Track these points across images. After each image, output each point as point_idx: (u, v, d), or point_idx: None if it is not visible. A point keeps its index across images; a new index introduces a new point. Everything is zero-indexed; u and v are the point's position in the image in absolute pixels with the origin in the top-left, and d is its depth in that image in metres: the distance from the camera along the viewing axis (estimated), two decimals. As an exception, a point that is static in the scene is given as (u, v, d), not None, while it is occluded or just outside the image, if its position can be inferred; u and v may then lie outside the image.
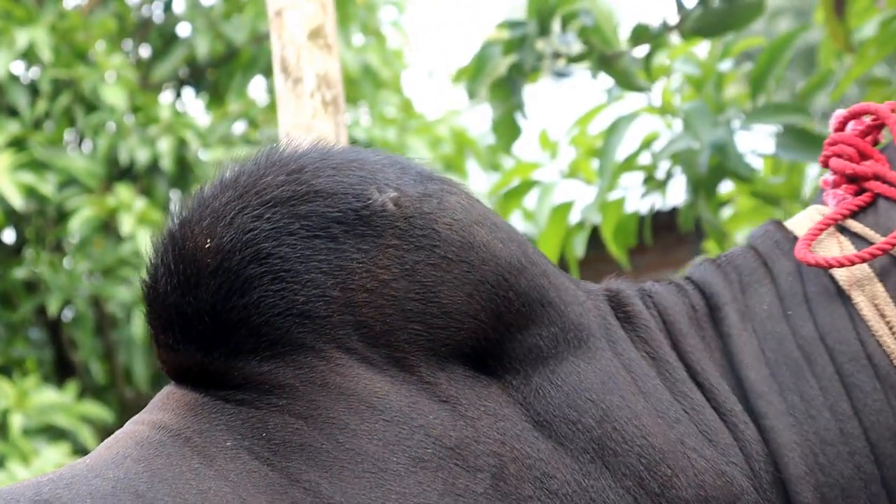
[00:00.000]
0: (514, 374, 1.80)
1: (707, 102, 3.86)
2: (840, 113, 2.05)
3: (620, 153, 3.97)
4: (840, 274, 1.91)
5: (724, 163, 3.78)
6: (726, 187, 4.21)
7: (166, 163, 7.95)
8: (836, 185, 2.00)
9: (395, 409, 1.73)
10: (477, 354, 1.79)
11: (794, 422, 1.86)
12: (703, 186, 3.91)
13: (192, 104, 9.40)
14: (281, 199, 1.77)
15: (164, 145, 8.00)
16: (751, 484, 1.81)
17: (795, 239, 1.97)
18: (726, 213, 4.46)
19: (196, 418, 1.74)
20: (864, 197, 1.97)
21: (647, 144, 4.14)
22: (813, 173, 4.14)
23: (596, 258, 4.89)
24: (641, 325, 1.91)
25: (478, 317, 1.79)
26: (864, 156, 1.99)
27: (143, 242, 7.60)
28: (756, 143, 4.01)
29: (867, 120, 2.03)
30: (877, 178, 1.96)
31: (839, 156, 2.01)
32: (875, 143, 2.02)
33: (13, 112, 8.12)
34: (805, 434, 1.85)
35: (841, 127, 2.05)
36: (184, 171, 8.21)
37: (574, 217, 4.28)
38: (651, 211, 4.38)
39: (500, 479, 1.72)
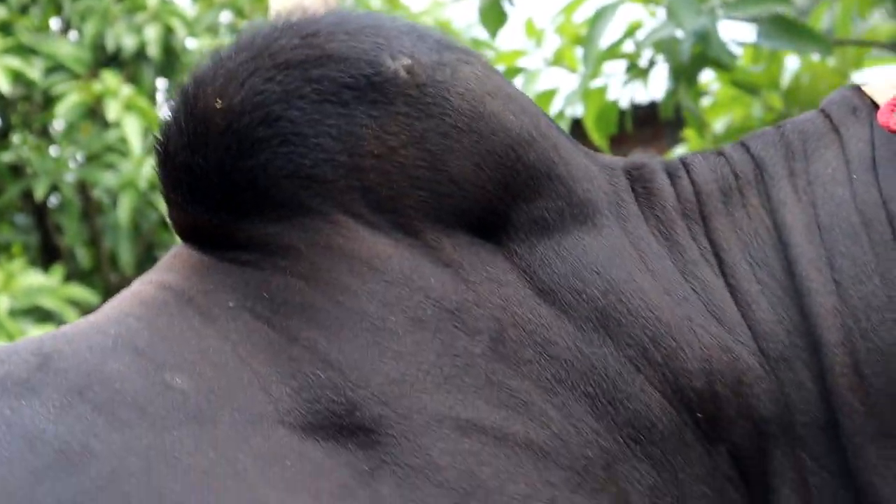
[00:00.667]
0: (519, 243, 1.79)
1: None
2: None
3: (604, 41, 3.99)
4: None
5: (706, 51, 3.80)
6: (707, 76, 4.24)
7: (153, 50, 7.91)
8: None
9: (396, 271, 1.73)
10: (482, 223, 1.80)
11: (840, 287, 1.83)
12: (684, 75, 3.94)
13: None
14: (294, 62, 1.76)
15: (151, 33, 7.92)
16: (757, 361, 1.79)
17: (873, 105, 1.92)
18: (706, 102, 4.49)
19: (200, 279, 1.75)
20: None
21: (630, 33, 4.15)
22: (792, 63, 4.18)
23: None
24: (658, 202, 1.89)
25: (485, 187, 1.79)
26: None
27: (130, 129, 7.64)
28: (738, 32, 4.05)
29: None
30: None
31: None
32: None
33: (-1, -2, 8.10)
34: (850, 299, 1.81)
35: None
36: (170, 59, 8.16)
37: (557, 105, 4.29)
38: (632, 102, 4.43)
39: (498, 342, 1.71)
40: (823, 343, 1.79)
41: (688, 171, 1.93)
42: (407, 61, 1.77)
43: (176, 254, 1.80)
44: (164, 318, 1.68)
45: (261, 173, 1.74)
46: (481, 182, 1.78)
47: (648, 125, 6.10)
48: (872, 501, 1.77)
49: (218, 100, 1.74)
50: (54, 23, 8.54)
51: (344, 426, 1.61)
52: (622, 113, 4.41)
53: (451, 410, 1.65)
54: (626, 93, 4.33)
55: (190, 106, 1.76)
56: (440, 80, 1.78)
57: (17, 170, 8.54)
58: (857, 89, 1.97)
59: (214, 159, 1.74)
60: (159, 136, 1.79)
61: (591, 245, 1.80)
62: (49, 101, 8.12)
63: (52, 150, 8.51)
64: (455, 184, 1.77)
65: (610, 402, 1.71)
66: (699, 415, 1.75)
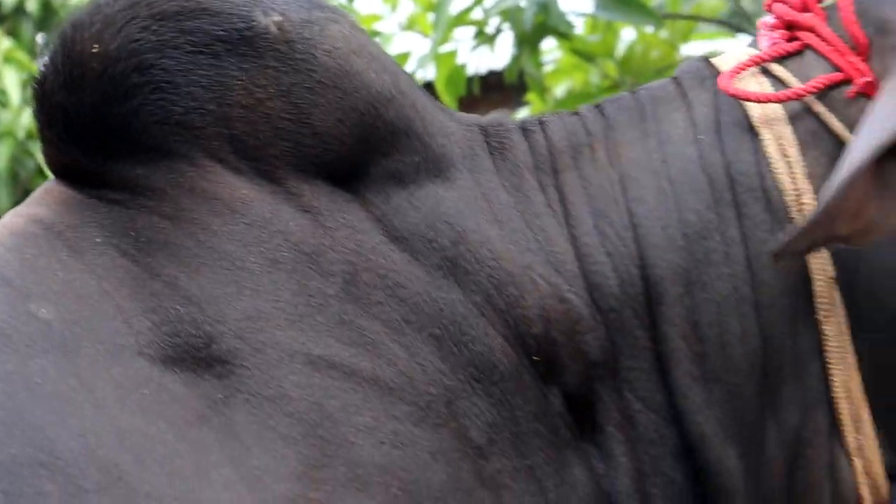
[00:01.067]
0: (376, 193, 1.78)
1: None
2: None
3: (454, 8, 4.01)
4: (754, 110, 1.88)
5: (547, 20, 3.87)
6: (548, 45, 4.28)
7: (32, 6, 7.88)
8: (773, 28, 1.97)
9: (256, 214, 1.70)
10: (342, 174, 1.78)
11: (687, 240, 1.85)
12: (527, 42, 3.98)
13: None
14: (169, 13, 1.72)
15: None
16: (589, 312, 1.79)
17: (719, 73, 1.94)
18: (548, 68, 4.53)
19: (70, 214, 1.70)
20: (795, 45, 1.93)
21: (479, 1, 4.16)
22: (627, 34, 4.24)
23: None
24: (511, 156, 1.88)
25: (345, 140, 1.77)
26: (806, 8, 1.96)
27: (8, 80, 7.58)
28: (577, 3, 4.08)
29: None
30: (811, 30, 1.93)
31: (784, 2, 1.98)
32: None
33: None
34: (694, 253, 1.83)
35: None
36: (49, 14, 8.15)
37: (410, 67, 4.30)
38: (488, 70, 4.47)
39: (351, 284, 1.70)
40: (662, 294, 1.81)
41: (543, 129, 1.93)
42: (278, 17, 1.76)
43: (48, 189, 1.78)
44: (32, 250, 1.65)
45: (133, 118, 1.71)
46: (342, 136, 1.77)
47: (496, 90, 6.15)
48: (695, 439, 1.79)
49: (95, 45, 1.72)
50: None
51: (201, 358, 1.60)
52: (470, 77, 4.44)
53: (303, 346, 1.64)
54: (474, 58, 4.36)
55: (67, 49, 1.74)
56: (308, 37, 1.77)
57: None
58: (707, 61, 2.00)
59: (89, 102, 1.72)
60: (37, 76, 1.78)
61: (443, 197, 1.80)
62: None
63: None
64: (318, 136, 1.76)
65: (455, 344, 1.72)
66: (536, 358, 1.75)
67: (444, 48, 4.25)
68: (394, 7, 4.53)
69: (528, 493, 1.69)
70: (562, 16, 3.86)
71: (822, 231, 1.68)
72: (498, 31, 4.18)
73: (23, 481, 1.40)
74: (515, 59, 4.10)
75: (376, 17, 4.52)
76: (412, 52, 4.36)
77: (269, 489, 1.51)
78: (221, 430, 1.54)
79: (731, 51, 2.01)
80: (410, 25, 4.46)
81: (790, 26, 1.95)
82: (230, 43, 1.73)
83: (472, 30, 4.24)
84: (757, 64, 1.92)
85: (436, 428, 1.65)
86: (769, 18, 1.98)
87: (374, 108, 1.78)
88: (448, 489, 1.62)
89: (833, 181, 1.65)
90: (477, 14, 4.20)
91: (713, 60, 1.97)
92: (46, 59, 1.75)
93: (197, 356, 1.60)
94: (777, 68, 1.92)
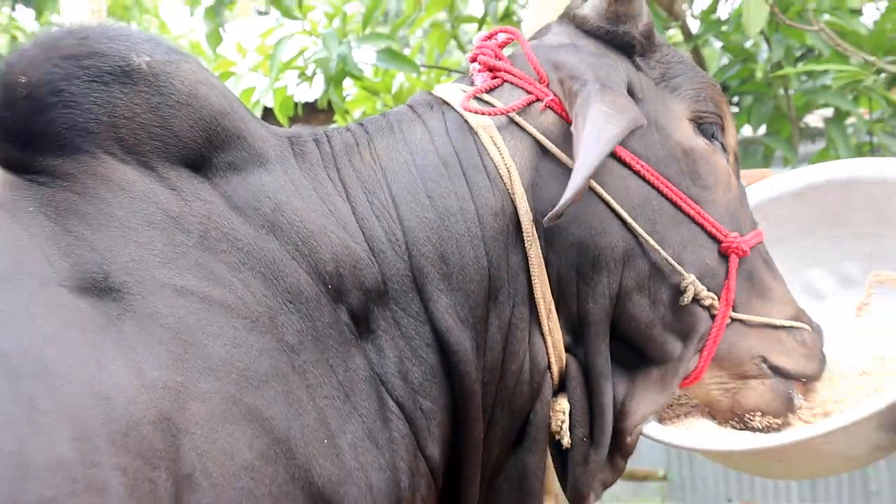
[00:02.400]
0: (219, 178, 1.77)
1: (336, 31, 3.93)
2: (484, 32, 2.09)
3: (284, 57, 3.97)
4: (472, 120, 1.92)
5: (345, 67, 3.89)
6: (348, 83, 4.25)
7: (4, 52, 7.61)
8: (480, 70, 2.01)
9: (137, 191, 1.69)
10: (196, 164, 1.76)
11: (431, 200, 1.87)
12: (333, 81, 3.95)
13: (24, 14, 8.82)
14: (72, 55, 1.72)
15: (2, 41, 7.67)
16: (366, 255, 1.80)
17: (441, 100, 1.98)
18: (349, 98, 4.49)
19: (11, 192, 1.67)
20: (497, 81, 1.98)
21: (301, 53, 4.14)
22: (399, 77, 4.26)
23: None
24: (307, 157, 1.88)
25: (197, 141, 1.76)
26: (498, 57, 2.01)
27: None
28: (366, 56, 4.09)
29: (502, 37, 2.06)
30: (507, 71, 1.98)
31: (484, 53, 2.03)
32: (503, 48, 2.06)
33: None
34: (435, 209, 1.86)
35: (488, 37, 2.07)
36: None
37: (255, 97, 4.26)
38: (301, 99, 4.41)
39: (204, 237, 1.69)
40: (416, 238, 1.84)
41: (328, 139, 1.94)
42: (147, 58, 1.75)
43: None
44: None
45: (50, 125, 1.70)
46: (194, 137, 1.76)
47: (314, 113, 6.10)
48: (441, 330, 1.81)
49: (22, 77, 1.70)
50: None
51: (101, 288, 1.57)
52: (296, 104, 4.40)
53: (171, 280, 1.62)
54: (298, 91, 4.31)
55: (4, 80, 1.72)
56: (168, 71, 1.76)
57: None
58: (430, 92, 2.03)
59: (20, 115, 1.70)
60: None
61: (265, 181, 1.79)
62: None
63: None
64: (177, 137, 1.75)
65: (275, 278, 1.71)
66: (329, 286, 1.75)
67: (278, 84, 4.20)
68: (244, 56, 4.43)
69: (324, 376, 1.69)
70: (355, 65, 3.89)
71: (579, 196, 1.74)
72: (314, 73, 4.13)
73: None
74: (325, 92, 4.09)
75: (232, 63, 4.40)
76: (256, 86, 4.29)
77: (148, 374, 1.50)
78: (115, 336, 1.53)
79: (442, 86, 2.05)
80: (255, 68, 4.34)
81: (491, 69, 2.01)
82: (114, 75, 1.73)
83: (296, 72, 4.20)
84: (476, 93, 1.97)
85: (262, 334, 1.65)
86: (476, 65, 2.03)
87: (214, 119, 1.78)
88: (271, 374, 1.62)
89: (574, 181, 1.74)
90: (300, 62, 4.16)
91: (435, 92, 2.02)
92: None
93: (98, 286, 1.57)
94: (487, 96, 1.98)
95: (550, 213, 1.76)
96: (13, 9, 8.78)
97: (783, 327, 2.04)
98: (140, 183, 1.70)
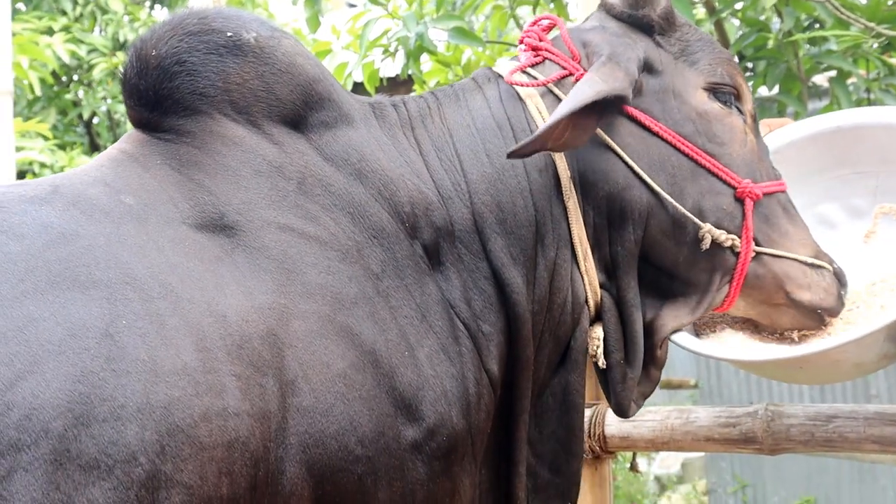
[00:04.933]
0: (314, 134, 1.76)
1: (414, 13, 3.87)
2: (531, 19, 2.08)
3: (371, 36, 3.93)
4: (521, 90, 1.92)
5: (422, 44, 3.86)
6: (424, 58, 4.23)
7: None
8: (526, 50, 2.00)
9: (247, 145, 1.69)
10: (294, 122, 1.76)
11: (489, 159, 1.86)
12: (412, 56, 3.90)
13: (161, 13, 8.92)
14: (193, 32, 1.73)
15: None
16: (436, 199, 1.80)
17: (497, 74, 1.97)
18: (425, 69, 4.46)
19: (142, 147, 1.70)
20: (539, 59, 1.97)
21: (385, 33, 4.07)
22: (468, 52, 4.22)
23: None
24: (387, 119, 1.87)
25: (295, 102, 1.76)
26: (540, 39, 2.00)
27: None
28: (439, 35, 4.04)
29: (545, 23, 2.04)
30: (547, 50, 1.97)
31: (529, 36, 2.02)
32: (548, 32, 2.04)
33: None
34: (493, 165, 1.85)
35: (533, 24, 2.06)
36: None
37: (347, 71, 4.19)
38: (385, 73, 4.40)
39: (302, 183, 1.69)
40: (476, 188, 1.83)
41: (404, 104, 1.93)
42: (254, 34, 1.76)
43: (129, 135, 1.76)
44: (121, 167, 1.65)
45: (176, 91, 1.72)
46: (293, 100, 1.76)
47: (397, 85, 6.09)
48: (497, 267, 1.80)
49: (153, 50, 1.72)
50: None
51: (217, 226, 1.59)
52: (381, 77, 4.39)
53: (275, 219, 1.63)
54: (383, 66, 4.29)
55: (138, 53, 1.74)
56: (272, 45, 1.76)
57: (76, 104, 8.25)
58: (489, 68, 2.02)
59: (151, 82, 1.72)
60: (122, 70, 1.77)
61: (352, 136, 1.78)
62: (90, 67, 7.85)
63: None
64: (279, 100, 1.75)
65: (361, 217, 1.70)
66: (407, 224, 1.75)
67: (366, 60, 4.17)
68: (338, 37, 4.43)
69: (404, 300, 1.68)
70: (431, 41, 3.85)
71: (536, 146, 1.74)
72: (396, 49, 4.11)
73: (116, 292, 1.40)
74: (406, 66, 4.06)
75: (328, 43, 4.41)
76: (348, 62, 4.27)
77: (257, 297, 1.51)
78: (230, 266, 1.54)
79: (499, 62, 2.04)
80: (347, 47, 4.36)
81: (535, 49, 2.00)
82: (228, 48, 1.73)
83: (381, 50, 4.18)
84: (522, 69, 1.96)
85: (351, 264, 1.65)
86: (522, 46, 2.02)
87: (309, 85, 1.78)
88: (359, 297, 1.62)
89: (544, 124, 1.74)
90: (384, 41, 4.11)
91: (493, 67, 2.01)
92: (126, 60, 1.75)
93: (215, 224, 1.59)
94: (532, 70, 1.97)
95: (508, 150, 1.78)
96: (152, 8, 8.90)
97: (806, 263, 1.98)
98: (249, 138, 1.71)
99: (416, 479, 1.59)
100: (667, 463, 10.14)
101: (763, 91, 3.95)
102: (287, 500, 1.44)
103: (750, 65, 3.81)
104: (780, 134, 2.26)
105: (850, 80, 3.72)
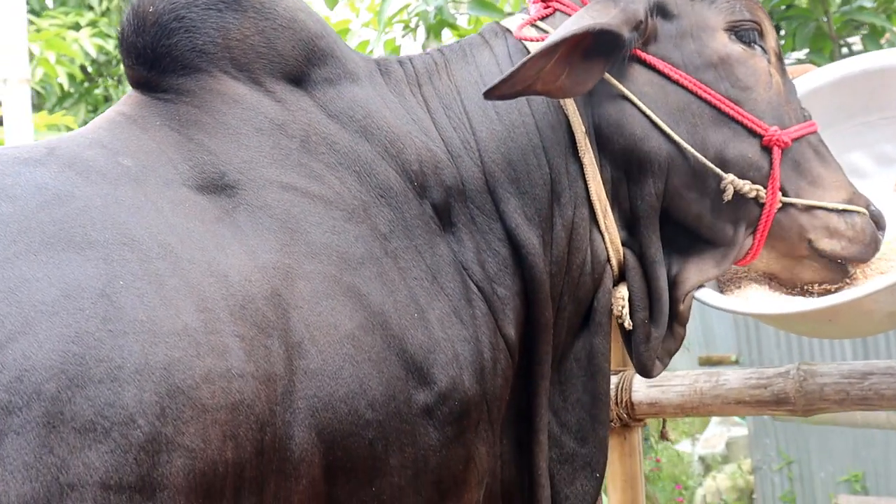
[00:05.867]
0: (317, 91, 1.72)
1: None
2: None
3: (390, 11, 3.91)
4: (530, 45, 1.85)
5: (442, 17, 3.84)
6: (446, 33, 4.22)
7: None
8: (535, 2, 1.93)
9: (248, 103, 1.65)
10: (297, 79, 1.72)
11: (497, 115, 1.80)
12: (433, 30, 3.93)
13: None
14: None
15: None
16: (445, 157, 1.74)
17: (505, 29, 1.91)
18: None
19: (140, 108, 1.65)
20: (549, 10, 1.90)
21: (404, 8, 4.07)
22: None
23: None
24: (393, 76, 1.82)
25: (297, 58, 1.72)
26: None
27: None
28: (459, 7, 4.03)
29: None
30: (556, 0, 1.89)
31: None
32: None
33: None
34: (503, 121, 1.79)
35: None
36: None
37: (369, 48, 4.19)
38: (405, 49, 4.38)
39: (305, 141, 1.65)
40: (486, 145, 1.77)
41: (411, 61, 1.88)
42: None
43: (128, 96, 1.72)
44: (118, 129, 1.61)
45: (174, 48, 1.67)
46: (295, 56, 1.72)
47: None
48: (511, 227, 1.75)
49: (150, 7, 1.68)
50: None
51: (218, 185, 1.55)
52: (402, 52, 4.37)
53: (278, 178, 1.59)
54: (404, 41, 4.28)
55: (135, 9, 1.70)
56: (272, 0, 1.72)
57: (107, 98, 8.28)
58: (497, 23, 1.96)
59: (149, 40, 1.68)
60: (120, 27, 1.73)
61: (357, 93, 1.73)
62: (119, 62, 7.93)
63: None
64: (281, 56, 1.71)
65: (367, 175, 1.66)
66: (415, 182, 1.70)
67: (386, 37, 4.18)
68: (357, 14, 4.43)
69: (413, 260, 1.64)
70: (451, 14, 3.83)
71: (513, 87, 1.68)
72: (416, 25, 4.11)
73: (112, 252, 1.36)
74: (427, 40, 4.05)
75: (347, 21, 4.42)
76: (369, 40, 4.27)
77: (260, 257, 1.48)
78: (231, 226, 1.51)
79: (508, 18, 1.97)
80: (366, 24, 4.36)
81: (545, 0, 1.94)
82: (227, 3, 1.70)
83: (401, 26, 4.17)
84: (530, 22, 1.89)
85: (357, 224, 1.60)
86: None
87: (312, 40, 1.74)
88: (366, 257, 1.58)
89: (519, 61, 1.68)
90: (404, 16, 4.14)
91: (501, 23, 1.95)
92: (124, 18, 1.71)
93: (215, 184, 1.55)
94: (541, 23, 1.89)
95: (485, 88, 1.71)
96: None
97: (835, 210, 1.90)
98: (250, 96, 1.67)
99: (428, 444, 1.54)
100: (711, 443, 10.08)
101: (793, 53, 3.87)
102: (297, 467, 1.40)
103: (779, 24, 3.74)
104: (803, 81, 2.18)
105: (883, 38, 3.63)
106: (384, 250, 1.61)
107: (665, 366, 1.91)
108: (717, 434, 10.15)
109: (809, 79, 2.21)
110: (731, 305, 1.89)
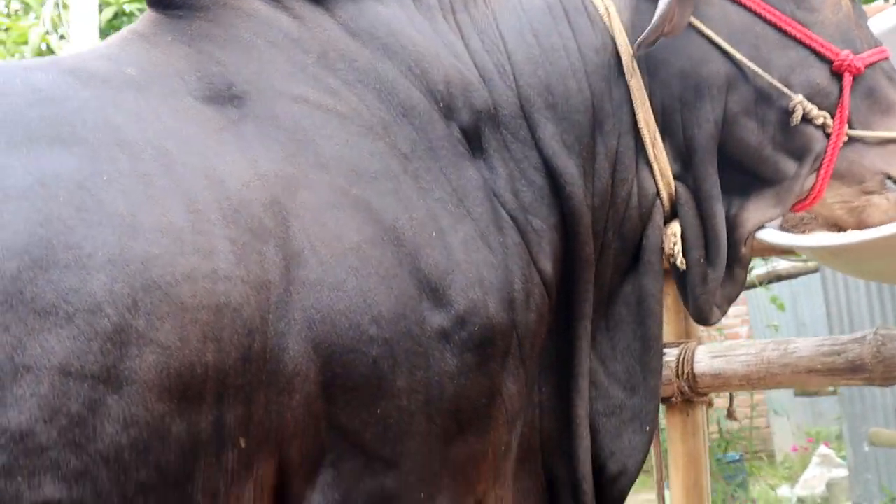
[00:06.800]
0: (338, 8, 1.64)
1: None
2: None
3: None
4: None
5: None
6: None
7: None
8: None
9: (263, 17, 1.60)
10: None
11: (537, 38, 1.72)
12: None
13: None
14: None
15: None
16: (476, 80, 1.65)
17: None
18: None
19: (154, 26, 1.61)
20: None
21: None
22: None
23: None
24: (425, 2, 1.72)
25: None
26: None
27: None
28: None
29: None
30: None
31: None
32: None
33: None
34: (541, 45, 1.71)
35: None
36: None
37: None
38: None
39: (322, 57, 1.58)
40: (522, 69, 1.69)
41: None
42: None
43: (143, 16, 1.68)
44: (128, 45, 1.58)
45: None
46: None
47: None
48: (548, 155, 1.66)
49: None
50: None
51: (224, 96, 1.50)
52: None
53: (289, 90, 1.54)
54: None
55: None
56: None
57: None
58: None
59: None
60: None
61: (380, 11, 1.66)
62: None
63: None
64: None
65: (388, 94, 1.59)
66: (441, 103, 1.63)
67: None
68: None
69: (436, 182, 1.55)
70: None
71: (658, 32, 1.63)
72: None
73: (101, 150, 1.33)
74: None
75: None
76: None
77: (261, 165, 1.42)
78: (235, 135, 1.46)
79: None
80: None
81: None
82: None
83: None
84: None
85: (374, 140, 1.53)
86: None
87: None
88: (381, 173, 1.50)
89: (660, 8, 1.63)
90: None
91: None
92: None
93: (222, 95, 1.50)
94: None
95: (639, 40, 1.63)
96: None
97: None
98: (265, 11, 1.61)
99: (444, 370, 1.44)
100: (811, 484, 9.69)
101: None
102: (290, 380, 1.33)
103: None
104: (876, 21, 2.03)
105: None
106: (404, 169, 1.54)
107: (724, 313, 1.80)
108: (818, 475, 9.76)
109: (882, 20, 2.07)
110: (791, 241, 1.76)
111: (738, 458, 8.20)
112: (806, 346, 2.09)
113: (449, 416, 1.44)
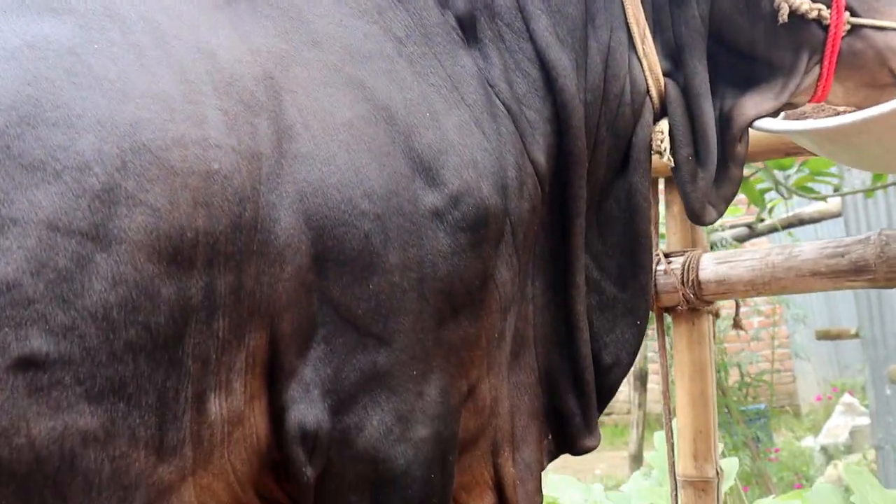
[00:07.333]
0: None
1: None
2: None
3: None
4: None
5: None
6: None
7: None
8: None
9: None
10: None
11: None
12: None
13: None
14: None
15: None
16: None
17: None
18: None
19: None
20: None
21: None
22: None
23: None
24: None
25: None
26: None
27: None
28: None
29: None
30: None
31: None
32: None
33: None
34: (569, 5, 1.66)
35: None
36: None
37: None
38: None
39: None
40: (531, 16, 1.65)
41: None
42: None
43: None
44: None
45: None
46: None
47: None
48: (541, 47, 1.63)
49: None
50: None
51: None
52: None
53: None
54: None
55: None
56: None
57: None
58: None
59: None
60: None
61: None
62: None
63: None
64: None
65: (416, 13, 1.56)
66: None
67: None
68: None
69: (431, 67, 1.54)
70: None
71: None
72: None
73: (93, 21, 1.32)
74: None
75: None
76: None
77: (254, 41, 1.42)
78: (228, 13, 1.44)
79: None
80: None
81: None
82: None
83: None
84: None
85: (369, 23, 1.52)
86: None
87: None
88: (375, 53, 1.49)
89: None
90: None
91: None
92: None
93: None
94: None
95: None
96: None
97: None
98: None
99: (436, 249, 1.44)
100: (834, 433, 9.66)
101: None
102: (281, 252, 1.33)
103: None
104: None
105: None
106: (398, 52, 1.53)
107: (720, 214, 1.77)
108: (841, 424, 9.73)
109: None
110: (787, 127, 1.71)
111: (763, 407, 8.19)
112: (811, 248, 2.06)
113: (442, 296, 1.44)
